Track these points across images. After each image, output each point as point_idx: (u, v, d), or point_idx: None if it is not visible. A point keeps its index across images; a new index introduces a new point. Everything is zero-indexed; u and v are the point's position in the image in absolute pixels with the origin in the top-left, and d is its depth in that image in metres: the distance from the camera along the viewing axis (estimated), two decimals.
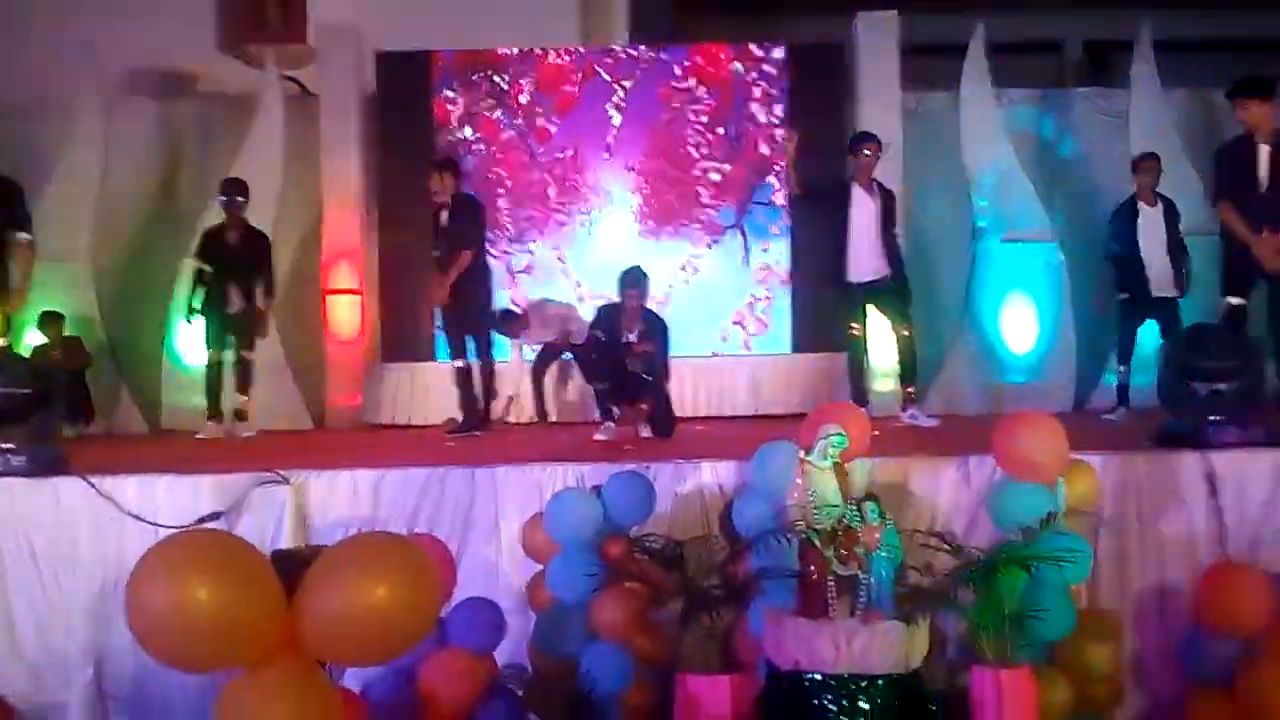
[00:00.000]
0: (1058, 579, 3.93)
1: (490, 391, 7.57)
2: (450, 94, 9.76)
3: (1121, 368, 7.42)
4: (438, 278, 7.21)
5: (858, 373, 7.10)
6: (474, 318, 7.38)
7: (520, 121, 9.79)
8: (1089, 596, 4.46)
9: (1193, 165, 8.69)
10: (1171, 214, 7.56)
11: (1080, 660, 4.10)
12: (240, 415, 7.59)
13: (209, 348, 7.58)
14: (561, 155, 9.77)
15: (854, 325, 7.02)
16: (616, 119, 9.78)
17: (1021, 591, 3.87)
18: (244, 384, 7.62)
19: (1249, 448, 4.78)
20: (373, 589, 2.43)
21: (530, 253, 9.73)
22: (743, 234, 9.78)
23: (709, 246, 9.76)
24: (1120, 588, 4.56)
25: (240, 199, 7.57)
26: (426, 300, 8.02)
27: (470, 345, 7.41)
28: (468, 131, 9.78)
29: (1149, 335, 7.52)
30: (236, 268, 7.48)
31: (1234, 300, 6.19)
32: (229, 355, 7.53)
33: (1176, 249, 7.49)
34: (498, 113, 9.77)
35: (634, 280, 6.71)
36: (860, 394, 7.02)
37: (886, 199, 7.10)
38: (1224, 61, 9.50)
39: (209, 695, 2.70)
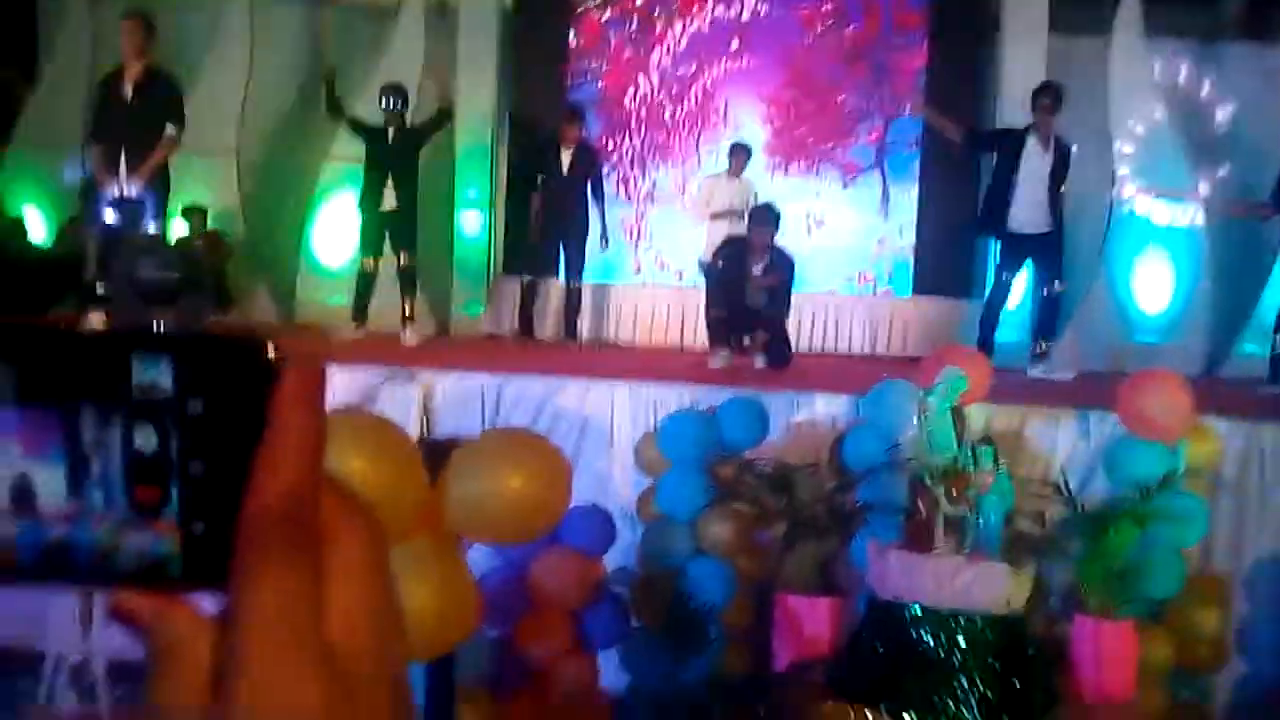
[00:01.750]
0: (1171, 538, 3.91)
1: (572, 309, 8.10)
2: (589, 8, 9.76)
3: (1277, 336, 6.79)
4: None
5: (991, 320, 7.00)
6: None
7: (656, 48, 9.74)
8: (1201, 559, 4.41)
9: None
10: None
11: (1185, 621, 4.09)
12: (408, 320, 7.43)
13: (364, 253, 7.49)
14: (693, 81, 9.71)
15: (1004, 273, 6.96)
16: (751, 44, 9.65)
17: (1132, 548, 3.86)
18: (410, 289, 7.50)
19: None
20: (508, 477, 2.58)
21: (653, 183, 9.74)
22: (882, 175, 9.62)
23: (844, 187, 9.61)
24: (1234, 553, 4.51)
25: (401, 103, 7.63)
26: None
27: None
28: (598, 62, 9.79)
29: None
30: (394, 166, 7.52)
31: None
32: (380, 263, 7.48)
33: None
34: (633, 38, 9.75)
35: (764, 219, 6.73)
36: (987, 341, 6.94)
37: (1062, 154, 6.98)
38: None
39: None
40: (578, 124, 8.29)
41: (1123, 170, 8.80)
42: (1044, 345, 6.94)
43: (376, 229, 7.49)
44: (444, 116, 7.79)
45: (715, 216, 8.05)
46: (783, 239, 6.92)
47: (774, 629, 3.92)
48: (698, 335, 8.41)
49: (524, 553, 3.96)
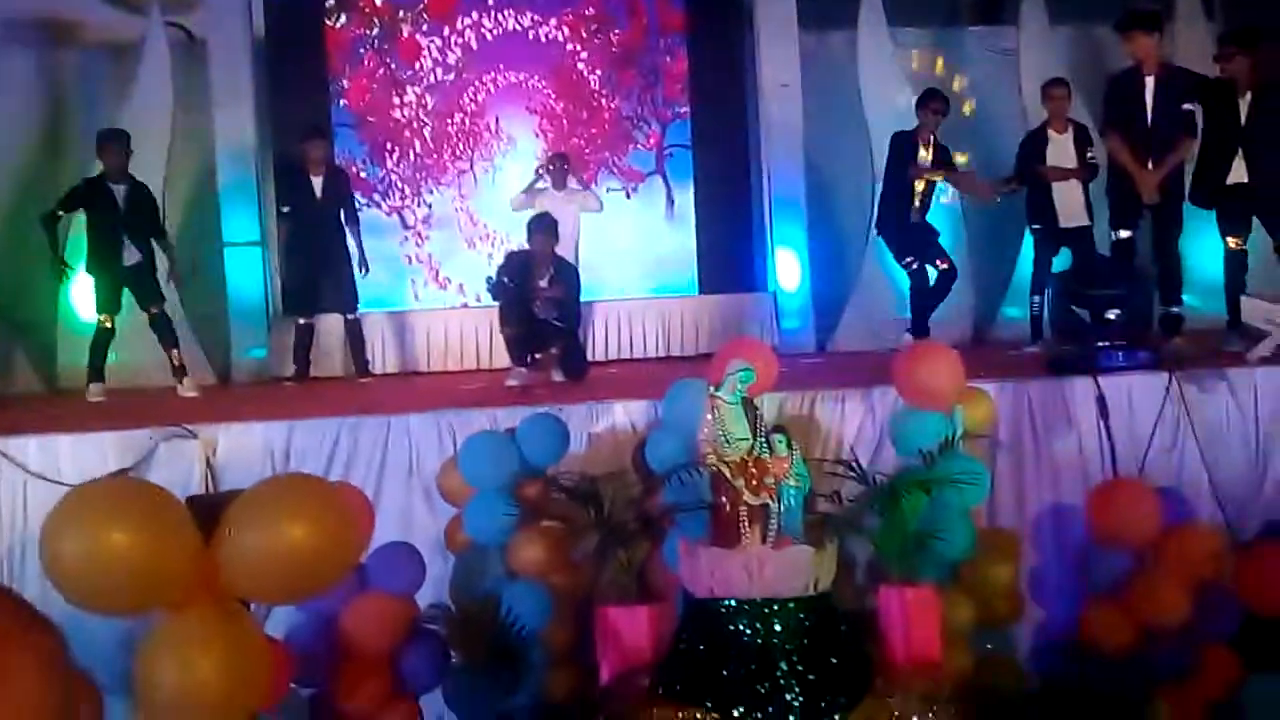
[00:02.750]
0: (957, 501, 4.10)
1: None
2: (337, 24, 9.52)
3: (1035, 298, 7.32)
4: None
5: (921, 305, 7.51)
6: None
7: (415, 66, 9.59)
8: (988, 517, 4.66)
9: (1082, 102, 8.91)
10: (1083, 140, 7.38)
11: (981, 578, 4.29)
12: (179, 372, 7.14)
13: (100, 311, 7.10)
14: (459, 98, 9.62)
15: (911, 260, 7.50)
16: (516, 58, 9.63)
17: (923, 514, 4.03)
18: (169, 339, 7.16)
19: (1135, 372, 5.02)
20: (290, 528, 2.45)
21: (429, 206, 9.59)
22: (664, 180, 9.76)
23: (628, 197, 9.66)
24: (1018, 508, 4.78)
25: (123, 151, 7.20)
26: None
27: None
28: (356, 84, 9.58)
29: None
30: (126, 219, 7.14)
31: (1122, 233, 6.39)
32: (123, 318, 7.15)
33: (1089, 176, 7.33)
34: (390, 57, 9.58)
35: (542, 226, 6.71)
36: (921, 324, 7.46)
37: (940, 151, 7.57)
38: None
39: (129, 646, 2.69)
40: (322, 146, 8.05)
41: (879, 150, 9.21)
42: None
43: (113, 287, 7.10)
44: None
45: None
46: (565, 250, 6.93)
47: (596, 644, 3.90)
48: (494, 356, 8.34)
49: (331, 601, 3.81)
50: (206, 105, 8.87)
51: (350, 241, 7.89)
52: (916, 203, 7.56)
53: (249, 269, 8.86)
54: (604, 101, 9.71)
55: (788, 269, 8.98)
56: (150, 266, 7.18)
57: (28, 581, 4.21)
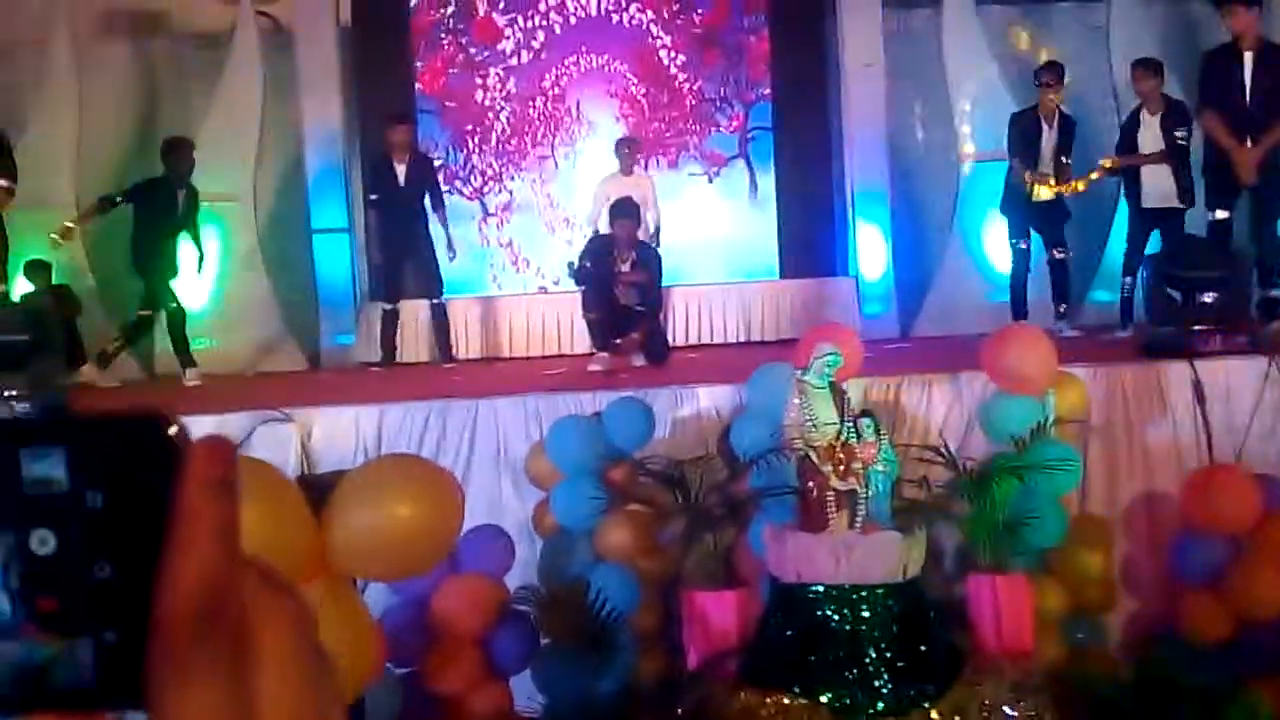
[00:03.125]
0: (1049, 487, 4.05)
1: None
2: (426, 14, 9.63)
3: (1127, 280, 7.14)
4: None
5: (1019, 288, 7.41)
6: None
7: (496, 48, 9.65)
8: (1080, 504, 4.58)
9: (1176, 80, 8.67)
10: (1174, 122, 7.02)
11: (1073, 566, 4.23)
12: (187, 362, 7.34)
13: (145, 306, 7.37)
14: (542, 86, 9.67)
15: (1019, 241, 7.41)
16: (597, 38, 9.63)
17: (1014, 501, 3.99)
18: (180, 333, 7.41)
19: (1233, 356, 4.89)
20: (396, 506, 2.51)
21: (510, 192, 9.65)
22: (748, 164, 9.70)
23: (710, 181, 9.61)
24: (1110, 495, 4.69)
25: (188, 155, 7.41)
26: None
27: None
28: (442, 70, 9.68)
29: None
30: (181, 221, 7.34)
31: (1219, 214, 6.22)
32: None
33: (1179, 159, 6.98)
34: (474, 43, 9.66)
35: (624, 212, 6.73)
36: (1020, 307, 7.37)
37: (1066, 128, 7.39)
38: None
39: None
40: (407, 133, 8.05)
41: (965, 132, 9.08)
42: (1064, 307, 7.38)
43: (160, 283, 7.32)
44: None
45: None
46: (648, 235, 6.94)
47: (683, 628, 3.93)
48: (575, 341, 8.39)
49: (423, 583, 3.89)
50: (295, 93, 9.05)
51: (436, 227, 7.96)
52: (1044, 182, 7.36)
53: (337, 255, 9.03)
54: (686, 85, 9.66)
55: (871, 253, 8.90)
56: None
57: None
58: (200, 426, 4.75)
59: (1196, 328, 5.05)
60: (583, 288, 6.82)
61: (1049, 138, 7.29)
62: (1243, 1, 6.04)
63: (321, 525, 2.48)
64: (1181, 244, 6.62)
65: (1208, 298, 5.21)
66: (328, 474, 3.64)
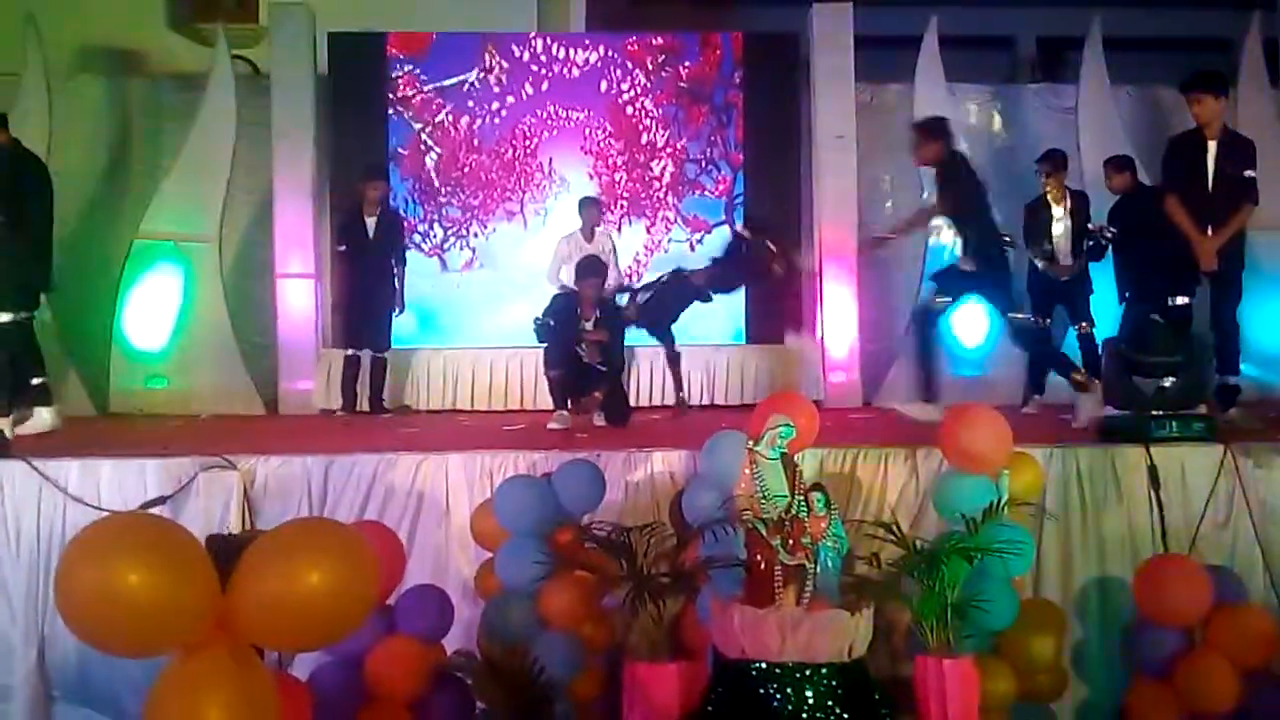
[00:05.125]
0: (1001, 570, 3.99)
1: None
2: (402, 73, 9.66)
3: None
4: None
5: (1039, 363, 7.47)
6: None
7: (470, 106, 9.68)
8: (1032, 587, 4.53)
9: (1142, 162, 8.78)
10: (1080, 213, 7.74)
11: (1023, 650, 4.17)
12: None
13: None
14: (512, 135, 9.67)
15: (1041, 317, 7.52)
16: (575, 107, 9.68)
17: (965, 582, 3.92)
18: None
19: (1190, 443, 4.88)
20: (306, 574, 2.41)
21: (473, 249, 9.60)
22: (732, 229, 9.71)
23: (692, 249, 9.53)
24: (1063, 579, 4.64)
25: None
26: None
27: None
28: (416, 117, 9.69)
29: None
30: None
31: (1179, 300, 6.27)
32: None
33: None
34: (446, 100, 9.67)
35: (591, 270, 6.71)
36: (1038, 382, 7.56)
37: (1079, 206, 7.81)
38: (1172, 59, 9.65)
39: (153, 679, 2.67)
40: (380, 187, 8.22)
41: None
42: (1095, 381, 7.20)
43: None
44: None
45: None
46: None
47: (624, 698, 3.82)
48: (538, 398, 8.32)
49: (357, 643, 3.77)
50: (267, 138, 9.02)
51: (395, 281, 8.02)
52: (1058, 260, 7.70)
53: (301, 301, 8.95)
54: (667, 142, 9.65)
55: (837, 322, 8.91)
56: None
57: None
58: (145, 469, 4.65)
59: (1154, 413, 5.04)
60: (545, 344, 6.77)
61: (1061, 220, 7.67)
62: (1210, 90, 6.11)
63: (226, 590, 2.38)
64: (1142, 329, 6.65)
65: (1166, 383, 5.21)
66: (243, 534, 3.54)
